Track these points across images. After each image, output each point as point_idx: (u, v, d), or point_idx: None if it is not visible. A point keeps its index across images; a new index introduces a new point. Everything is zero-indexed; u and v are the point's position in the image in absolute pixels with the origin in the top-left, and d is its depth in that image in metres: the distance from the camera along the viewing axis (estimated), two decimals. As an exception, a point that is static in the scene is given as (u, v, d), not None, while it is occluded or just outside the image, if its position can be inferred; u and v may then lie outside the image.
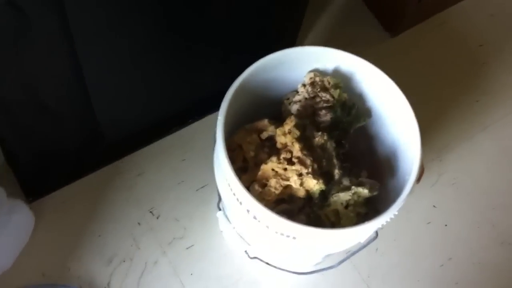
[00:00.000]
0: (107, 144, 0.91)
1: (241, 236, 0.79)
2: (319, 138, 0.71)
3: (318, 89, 0.75)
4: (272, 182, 0.68)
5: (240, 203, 0.67)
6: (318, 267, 0.83)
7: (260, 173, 0.69)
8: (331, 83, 0.75)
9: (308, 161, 0.68)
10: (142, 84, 0.84)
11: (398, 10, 1.08)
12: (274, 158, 0.69)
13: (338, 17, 1.15)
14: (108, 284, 0.88)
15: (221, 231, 0.91)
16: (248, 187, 0.70)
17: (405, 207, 0.97)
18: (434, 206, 0.99)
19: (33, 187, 0.90)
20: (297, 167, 0.68)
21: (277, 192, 0.68)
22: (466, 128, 1.06)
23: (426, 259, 0.95)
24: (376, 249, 0.95)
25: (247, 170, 0.73)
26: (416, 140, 0.72)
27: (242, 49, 0.90)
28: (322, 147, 0.71)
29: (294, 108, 0.77)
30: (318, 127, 0.74)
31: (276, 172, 0.69)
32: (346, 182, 0.71)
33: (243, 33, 0.87)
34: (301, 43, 1.10)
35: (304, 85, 0.77)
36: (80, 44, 0.67)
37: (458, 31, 1.14)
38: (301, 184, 0.68)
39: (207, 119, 1.00)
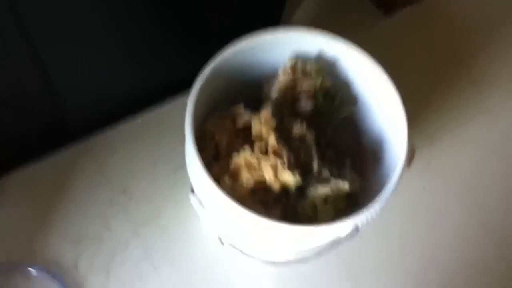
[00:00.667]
0: (76, 121, 0.86)
1: (214, 223, 0.75)
2: (298, 128, 0.67)
3: (299, 75, 0.70)
4: (245, 174, 0.64)
5: (210, 195, 0.63)
6: (295, 258, 0.80)
7: (231, 164, 0.65)
8: (313, 69, 0.70)
9: (284, 153, 0.64)
10: (111, 59, 0.79)
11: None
12: (247, 149, 0.65)
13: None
14: (76, 265, 0.84)
15: (197, 214, 0.88)
16: (220, 177, 0.66)
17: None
18: (424, 188, 0.95)
19: (-3, 162, 0.86)
20: (272, 159, 0.63)
21: (249, 185, 0.64)
22: (461, 113, 1.02)
23: (412, 250, 0.92)
24: (361, 237, 0.91)
25: (219, 159, 0.69)
26: (403, 131, 0.67)
27: (221, 26, 0.85)
28: (301, 138, 0.67)
29: (274, 94, 0.72)
30: (298, 116, 0.70)
31: (249, 163, 0.65)
32: (325, 173, 0.67)
33: (221, 9, 0.82)
34: (287, 21, 1.04)
35: (284, 70, 0.72)
36: (31, 19, 0.62)
37: (457, 13, 1.09)
38: (276, 177, 0.64)
39: (186, 97, 0.95)
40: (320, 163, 0.67)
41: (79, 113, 0.87)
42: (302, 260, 0.79)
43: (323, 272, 0.87)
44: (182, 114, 0.68)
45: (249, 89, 0.75)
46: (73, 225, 0.87)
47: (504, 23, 1.10)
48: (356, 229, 0.67)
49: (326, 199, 0.66)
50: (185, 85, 0.92)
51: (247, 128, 0.70)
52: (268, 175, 0.64)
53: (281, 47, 0.73)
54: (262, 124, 0.66)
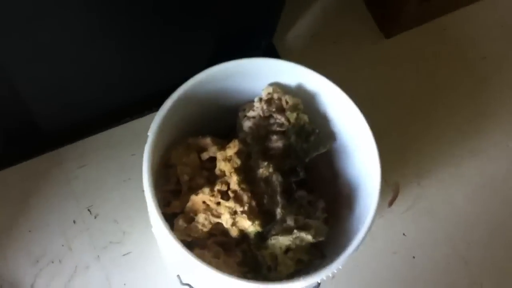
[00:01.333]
0: (46, 130, 0.81)
1: (172, 261, 0.70)
2: (264, 170, 0.61)
3: (274, 109, 0.64)
4: (201, 217, 0.59)
5: (163, 236, 0.58)
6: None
7: (189, 204, 0.60)
8: (289, 103, 0.64)
9: (245, 198, 0.58)
10: (85, 70, 0.74)
11: (397, 9, 0.96)
12: (206, 190, 0.59)
13: (331, 9, 1.03)
14: (32, 285, 0.80)
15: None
16: (177, 215, 0.61)
17: (371, 232, 0.89)
18: (404, 234, 0.90)
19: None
20: (231, 203, 0.58)
21: (205, 229, 0.59)
22: (453, 152, 0.95)
23: (387, 293, 0.86)
24: (333, 277, 0.86)
25: (181, 194, 0.63)
26: (377, 180, 0.61)
27: (204, 40, 0.79)
28: (266, 180, 0.61)
29: (247, 125, 0.66)
30: (267, 154, 0.64)
31: (207, 205, 0.59)
32: (290, 222, 0.61)
33: (207, 24, 0.76)
34: (283, 34, 0.98)
35: (260, 100, 0.66)
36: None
37: (460, 40, 1.02)
38: (234, 224, 0.58)
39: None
40: (285, 209, 0.61)
41: (51, 122, 0.82)
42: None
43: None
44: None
45: (224, 116, 0.70)
46: (34, 242, 0.82)
47: (507, 55, 1.02)
48: (318, 283, 0.61)
49: (287, 250, 0.61)
50: (164, 99, 0.88)
51: (214, 160, 0.64)
52: (225, 220, 0.58)
53: (261, 74, 0.67)
54: (225, 162, 0.60)
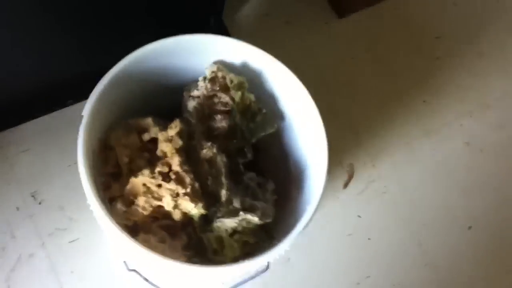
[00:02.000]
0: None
1: (117, 247, 0.68)
2: (207, 150, 0.59)
3: (218, 88, 0.62)
4: (141, 200, 0.56)
5: (103, 221, 0.56)
6: None
7: (128, 187, 0.57)
8: (234, 82, 0.62)
9: (188, 180, 0.56)
10: (23, 43, 0.71)
11: (349, -13, 0.94)
12: (146, 171, 0.57)
13: (283, -13, 1.00)
14: (-27, 276, 0.77)
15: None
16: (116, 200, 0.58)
17: (327, 214, 0.88)
18: (359, 216, 0.89)
19: None
20: (173, 185, 0.56)
21: (145, 213, 0.56)
22: (407, 131, 0.94)
23: (342, 275, 0.85)
24: (288, 259, 0.85)
25: (120, 177, 0.61)
26: (323, 161, 0.60)
27: (146, 16, 0.77)
28: (210, 161, 0.59)
29: (191, 104, 0.64)
30: (212, 134, 0.62)
31: (148, 188, 0.57)
32: (236, 204, 0.59)
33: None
34: (234, 13, 0.96)
35: (205, 79, 0.64)
36: None
37: (414, 19, 1.01)
38: (176, 207, 0.56)
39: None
40: (231, 191, 0.59)
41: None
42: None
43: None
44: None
45: (168, 96, 0.68)
46: (-26, 229, 0.79)
47: (469, 34, 1.02)
48: (266, 265, 0.60)
49: (233, 233, 0.59)
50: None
51: (156, 142, 0.62)
52: (167, 203, 0.56)
53: (205, 52, 0.65)
54: (167, 143, 0.58)
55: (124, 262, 0.71)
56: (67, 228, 0.80)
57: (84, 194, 0.80)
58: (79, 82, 0.84)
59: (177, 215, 0.57)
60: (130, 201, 0.57)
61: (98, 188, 0.57)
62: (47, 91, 0.82)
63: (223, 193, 0.59)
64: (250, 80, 0.65)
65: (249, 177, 0.66)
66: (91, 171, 0.56)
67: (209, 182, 0.58)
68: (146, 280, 0.69)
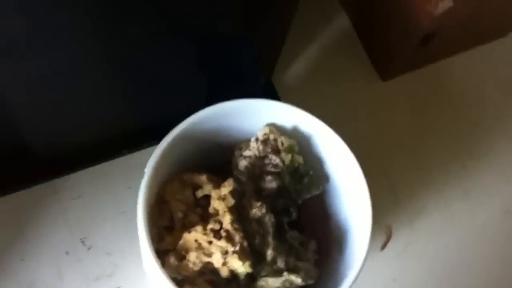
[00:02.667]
0: (42, 161, 0.82)
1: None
2: (257, 210, 0.62)
3: (269, 150, 0.66)
4: (192, 256, 0.59)
5: (155, 273, 0.59)
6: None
7: (181, 241, 0.60)
8: (285, 145, 0.65)
9: (237, 238, 0.59)
10: (82, 99, 0.75)
11: (393, 53, 0.98)
12: (199, 228, 0.60)
13: (329, 48, 1.04)
14: (21, 316, 0.80)
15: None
16: (169, 253, 0.61)
17: (361, 275, 0.89)
18: (394, 279, 0.90)
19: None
20: (223, 243, 0.59)
21: (195, 268, 0.59)
22: (445, 194, 0.96)
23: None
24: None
25: (174, 231, 0.64)
26: (367, 224, 0.62)
27: (200, 76, 0.81)
28: (259, 220, 0.62)
29: (243, 164, 0.67)
30: (261, 194, 0.65)
31: (199, 244, 0.60)
32: (280, 263, 0.62)
33: (203, 62, 0.78)
34: (282, 72, 1.00)
35: (257, 140, 0.68)
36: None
37: (455, 84, 1.03)
38: (224, 264, 0.59)
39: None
40: (276, 250, 0.62)
41: (46, 150, 0.83)
42: None
43: None
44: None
45: (219, 153, 0.71)
46: (26, 270, 0.82)
47: (508, 102, 1.04)
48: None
49: (277, 291, 0.61)
50: (164, 131, 0.89)
51: (208, 197, 0.65)
52: (216, 260, 0.59)
53: (256, 116, 0.69)
54: (220, 201, 0.61)
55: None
56: (112, 275, 0.83)
57: (130, 242, 0.85)
58: (132, 134, 0.89)
59: (224, 272, 0.60)
60: (182, 256, 0.60)
61: (152, 240, 0.60)
62: (101, 142, 0.86)
63: (269, 252, 0.61)
64: (299, 142, 0.69)
65: (292, 236, 0.69)
66: (147, 223, 0.60)
67: (256, 241, 0.61)
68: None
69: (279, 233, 0.66)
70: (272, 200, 0.65)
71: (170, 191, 0.65)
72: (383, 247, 0.90)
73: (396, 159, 0.97)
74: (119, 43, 0.67)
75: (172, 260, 0.59)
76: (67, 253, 0.84)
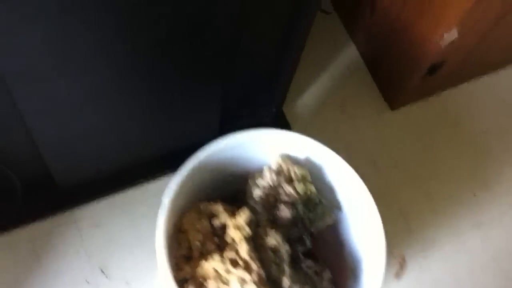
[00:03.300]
0: (62, 190, 0.85)
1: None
2: (272, 239, 0.64)
3: (283, 180, 0.68)
4: (210, 284, 0.61)
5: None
6: None
7: (199, 270, 0.62)
8: (298, 174, 0.68)
9: (255, 267, 0.61)
10: (104, 130, 0.78)
11: (402, 83, 1.00)
12: (217, 257, 0.62)
13: (338, 79, 1.07)
14: None
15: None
16: (188, 281, 0.63)
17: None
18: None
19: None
20: (240, 272, 0.61)
21: (215, 296, 0.61)
22: (457, 222, 0.97)
23: None
24: None
25: (192, 259, 0.66)
26: (381, 255, 0.64)
27: (213, 107, 0.84)
28: (274, 249, 0.64)
29: (257, 193, 0.70)
30: (275, 223, 0.67)
31: (217, 272, 0.62)
32: (296, 290, 0.63)
33: (215, 94, 0.81)
34: (293, 102, 1.03)
35: (270, 169, 0.70)
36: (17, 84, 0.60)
37: (462, 113, 1.06)
38: (242, 291, 0.61)
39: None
40: (292, 279, 0.64)
41: (66, 179, 0.85)
42: None
43: None
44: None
45: (232, 181, 0.74)
46: (46, 300, 0.84)
47: (508, 129, 1.06)
48: None
49: (293, 319, 0.63)
50: (180, 161, 0.91)
51: (224, 226, 0.67)
52: (234, 288, 0.61)
53: (268, 146, 0.71)
54: (236, 230, 0.63)
55: None
56: (131, 303, 0.85)
57: (149, 270, 0.87)
58: (148, 163, 0.92)
59: (242, 300, 0.61)
60: (200, 283, 0.62)
61: (171, 269, 0.62)
62: (120, 172, 0.89)
63: (285, 281, 0.63)
64: (311, 171, 0.71)
65: (307, 265, 0.70)
66: (167, 254, 0.62)
67: (272, 269, 0.63)
68: None
69: (294, 262, 0.68)
70: (286, 229, 0.67)
71: (187, 221, 0.67)
72: (397, 275, 0.91)
73: (406, 187, 0.99)
74: (145, 82, 0.71)
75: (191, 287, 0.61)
76: (87, 281, 0.86)
